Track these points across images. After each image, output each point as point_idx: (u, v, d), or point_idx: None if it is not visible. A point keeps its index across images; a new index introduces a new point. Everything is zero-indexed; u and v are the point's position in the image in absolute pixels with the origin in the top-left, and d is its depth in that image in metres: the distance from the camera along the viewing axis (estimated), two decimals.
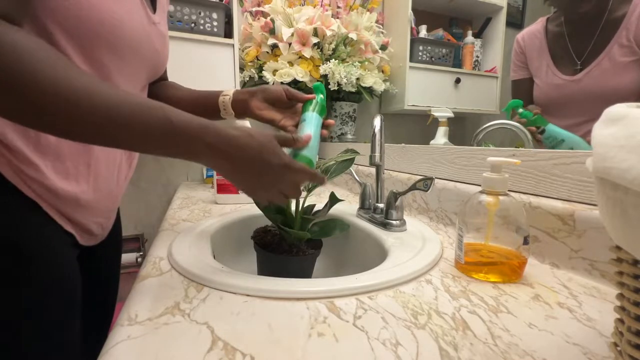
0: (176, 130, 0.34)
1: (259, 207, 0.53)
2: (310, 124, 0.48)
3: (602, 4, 0.78)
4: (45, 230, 0.42)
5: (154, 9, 0.52)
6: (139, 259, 1.15)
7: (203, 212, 0.75)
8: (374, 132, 0.58)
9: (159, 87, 0.63)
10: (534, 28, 0.95)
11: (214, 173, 0.91)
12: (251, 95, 0.55)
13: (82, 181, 0.44)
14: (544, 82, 0.89)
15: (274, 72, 1.18)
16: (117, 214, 0.62)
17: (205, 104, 0.58)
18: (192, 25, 1.07)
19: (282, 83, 1.15)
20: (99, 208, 0.49)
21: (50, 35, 0.37)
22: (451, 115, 1.05)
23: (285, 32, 1.15)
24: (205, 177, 1.27)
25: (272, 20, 1.18)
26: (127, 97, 0.33)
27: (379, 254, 0.53)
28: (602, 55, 0.76)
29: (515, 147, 0.79)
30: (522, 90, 1.02)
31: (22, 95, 0.28)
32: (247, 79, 1.24)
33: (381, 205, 0.63)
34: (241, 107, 0.56)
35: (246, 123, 0.92)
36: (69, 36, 0.38)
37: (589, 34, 0.80)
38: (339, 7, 1.33)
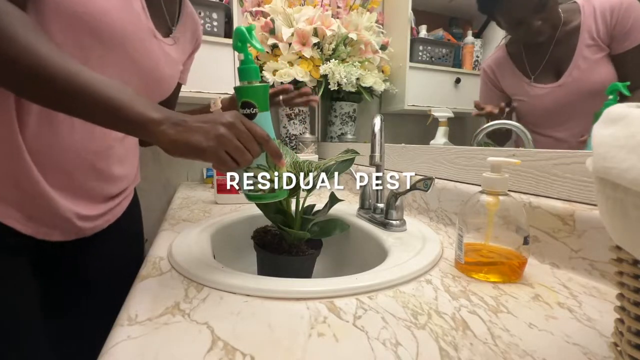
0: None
1: (259, 207, 0.53)
2: (267, 128, 0.40)
3: (554, 21, 0.82)
4: None
5: (170, 30, 0.54)
6: None
7: (203, 212, 0.75)
8: (374, 132, 0.58)
9: None
10: (497, 55, 0.99)
11: (214, 173, 0.91)
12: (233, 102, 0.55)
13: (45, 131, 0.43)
14: (529, 96, 0.91)
15: (274, 72, 1.18)
16: (132, 205, 0.58)
17: None
18: None
19: (281, 83, 1.15)
20: (76, 189, 0.46)
21: (40, 13, 0.38)
22: (451, 115, 1.05)
23: (285, 32, 1.15)
24: (205, 177, 1.27)
25: (272, 20, 1.18)
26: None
27: (379, 254, 0.53)
28: (575, 57, 0.81)
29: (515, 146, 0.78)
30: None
31: None
32: None
33: (381, 205, 0.63)
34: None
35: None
36: (55, 14, 0.40)
37: (545, 49, 0.85)
38: (339, 7, 1.33)
